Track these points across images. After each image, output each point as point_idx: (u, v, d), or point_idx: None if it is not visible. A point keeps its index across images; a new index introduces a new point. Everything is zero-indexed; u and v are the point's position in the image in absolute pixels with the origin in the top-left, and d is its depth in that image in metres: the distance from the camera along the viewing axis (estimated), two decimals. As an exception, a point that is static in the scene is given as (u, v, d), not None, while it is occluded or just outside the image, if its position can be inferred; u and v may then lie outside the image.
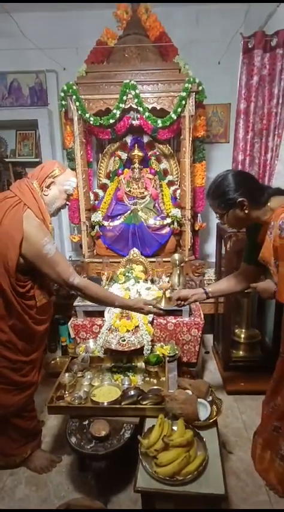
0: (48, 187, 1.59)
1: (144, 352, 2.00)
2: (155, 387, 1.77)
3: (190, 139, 2.53)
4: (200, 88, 2.45)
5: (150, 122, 2.49)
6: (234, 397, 2.28)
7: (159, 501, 1.38)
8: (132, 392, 1.66)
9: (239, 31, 2.41)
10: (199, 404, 1.60)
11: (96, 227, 2.75)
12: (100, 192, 2.96)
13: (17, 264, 1.45)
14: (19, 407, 1.62)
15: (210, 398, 1.68)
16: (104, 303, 1.82)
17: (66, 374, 1.85)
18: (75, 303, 2.35)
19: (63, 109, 2.56)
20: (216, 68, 3.09)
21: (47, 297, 1.64)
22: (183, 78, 2.43)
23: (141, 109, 2.45)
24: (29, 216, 1.47)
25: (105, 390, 1.74)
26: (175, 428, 1.48)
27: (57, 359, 2.57)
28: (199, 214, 2.90)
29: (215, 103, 3.28)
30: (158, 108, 2.50)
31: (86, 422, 1.61)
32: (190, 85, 2.37)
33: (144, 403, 1.62)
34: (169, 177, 2.96)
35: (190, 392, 1.66)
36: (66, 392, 1.77)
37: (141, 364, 1.99)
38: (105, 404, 1.64)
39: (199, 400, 1.62)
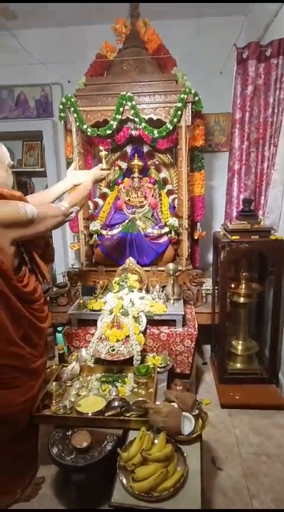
0: None
1: (133, 363, 1.99)
2: (141, 399, 1.74)
3: (187, 149, 2.53)
4: (196, 98, 2.45)
5: (146, 132, 2.51)
6: (229, 411, 2.22)
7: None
8: (116, 404, 1.64)
9: (238, 41, 2.41)
10: (184, 418, 1.57)
11: (94, 236, 2.78)
12: (100, 201, 3.00)
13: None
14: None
15: (196, 411, 1.65)
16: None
17: (54, 383, 1.85)
18: (69, 311, 2.36)
19: (63, 120, 2.61)
20: (219, 78, 3.11)
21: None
22: (180, 89, 2.44)
23: (137, 120, 2.47)
24: None
25: (91, 400, 1.73)
26: (157, 441, 1.46)
27: (53, 367, 2.57)
28: (198, 223, 2.89)
29: (217, 112, 3.30)
30: (155, 118, 2.52)
31: (69, 432, 1.60)
32: (185, 95, 2.38)
33: (128, 414, 1.60)
34: (169, 186, 2.96)
35: (175, 405, 1.63)
36: (53, 401, 1.77)
37: (130, 374, 1.98)
38: (89, 414, 1.63)
39: (184, 413, 1.59)
